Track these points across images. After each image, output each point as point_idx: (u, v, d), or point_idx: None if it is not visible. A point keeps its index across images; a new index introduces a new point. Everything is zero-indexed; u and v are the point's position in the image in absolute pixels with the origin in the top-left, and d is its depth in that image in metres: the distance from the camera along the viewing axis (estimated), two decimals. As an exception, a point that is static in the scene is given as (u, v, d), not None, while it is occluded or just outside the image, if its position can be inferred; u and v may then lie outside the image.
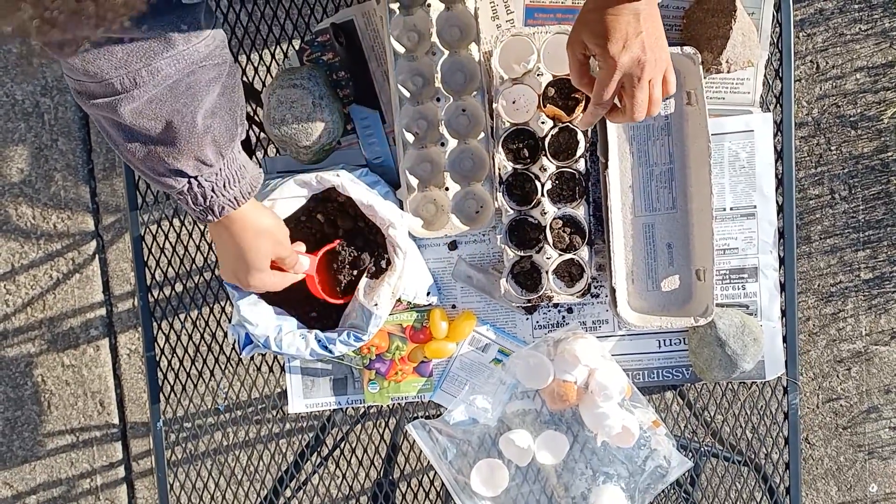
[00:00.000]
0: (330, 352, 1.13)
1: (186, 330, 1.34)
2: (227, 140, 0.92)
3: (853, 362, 2.22)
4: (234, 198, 0.95)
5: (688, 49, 1.13)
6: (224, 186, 0.94)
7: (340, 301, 1.16)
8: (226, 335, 1.30)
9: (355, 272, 1.18)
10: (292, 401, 1.28)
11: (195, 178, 0.92)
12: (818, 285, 2.20)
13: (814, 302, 2.20)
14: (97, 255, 2.25)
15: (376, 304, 1.12)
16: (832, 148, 2.16)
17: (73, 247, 2.25)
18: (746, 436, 1.31)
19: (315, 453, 1.41)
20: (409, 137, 1.18)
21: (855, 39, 2.12)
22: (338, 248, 1.17)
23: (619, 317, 1.17)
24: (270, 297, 1.17)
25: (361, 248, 1.19)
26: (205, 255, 1.34)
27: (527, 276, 1.21)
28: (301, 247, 1.12)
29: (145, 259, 1.29)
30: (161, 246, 1.31)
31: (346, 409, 1.29)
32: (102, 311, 2.27)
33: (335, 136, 1.18)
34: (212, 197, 0.93)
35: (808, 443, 2.24)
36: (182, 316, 1.33)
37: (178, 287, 1.34)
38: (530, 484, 1.26)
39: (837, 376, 2.23)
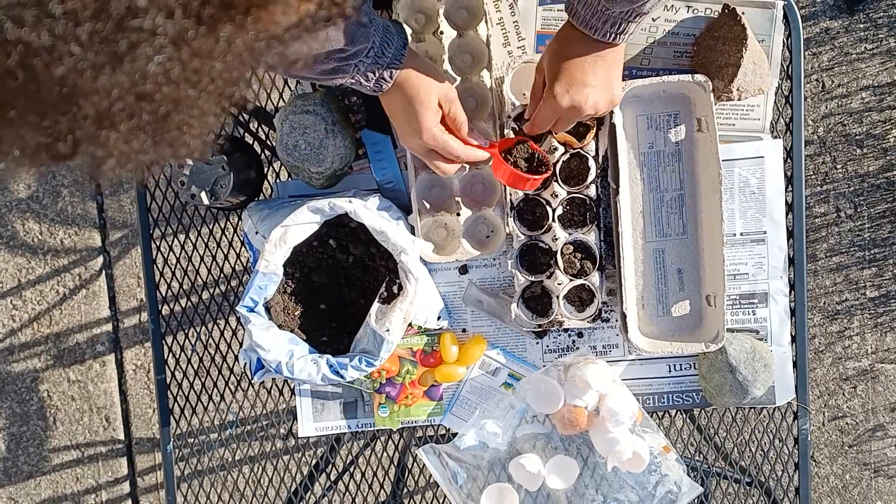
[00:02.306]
0: (342, 377, 1.13)
1: (197, 350, 1.34)
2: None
3: (859, 380, 2.22)
4: (394, 57, 0.98)
5: (699, 77, 1.13)
6: (382, 53, 0.97)
7: (524, 178, 1.08)
8: (236, 357, 1.30)
9: (537, 166, 1.12)
10: (302, 424, 1.28)
11: (357, 62, 0.96)
12: (824, 303, 2.20)
13: (819, 320, 2.20)
14: (104, 271, 2.26)
15: (388, 330, 1.13)
16: (838, 166, 2.16)
17: (80, 262, 2.26)
18: (756, 460, 1.31)
19: (323, 474, 1.41)
20: (420, 162, 1.19)
21: (860, 58, 2.13)
22: (518, 146, 1.12)
23: (630, 342, 1.17)
24: (283, 322, 1.17)
25: (363, 278, 1.20)
26: (214, 272, 1.35)
27: (537, 301, 1.21)
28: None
29: (157, 281, 1.29)
30: (166, 259, 1.31)
31: (357, 432, 1.29)
32: (109, 327, 2.27)
33: (347, 161, 1.19)
34: (377, 67, 0.97)
35: (814, 461, 2.24)
36: (189, 332, 1.33)
37: (185, 303, 1.34)
38: (540, 508, 1.26)
39: (843, 394, 2.23)
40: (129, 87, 0.36)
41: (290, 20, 0.38)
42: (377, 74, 0.98)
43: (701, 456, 1.41)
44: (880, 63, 2.13)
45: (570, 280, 1.18)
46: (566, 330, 1.25)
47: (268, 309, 1.18)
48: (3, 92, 0.35)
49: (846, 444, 2.24)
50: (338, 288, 1.21)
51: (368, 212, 1.12)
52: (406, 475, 1.39)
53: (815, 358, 2.21)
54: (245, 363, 1.17)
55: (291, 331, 1.18)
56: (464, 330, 1.26)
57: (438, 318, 1.23)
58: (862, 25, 2.12)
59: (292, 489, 1.38)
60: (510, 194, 1.18)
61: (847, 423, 2.23)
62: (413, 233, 1.19)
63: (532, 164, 1.13)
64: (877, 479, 2.24)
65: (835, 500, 2.25)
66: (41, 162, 0.40)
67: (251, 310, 1.15)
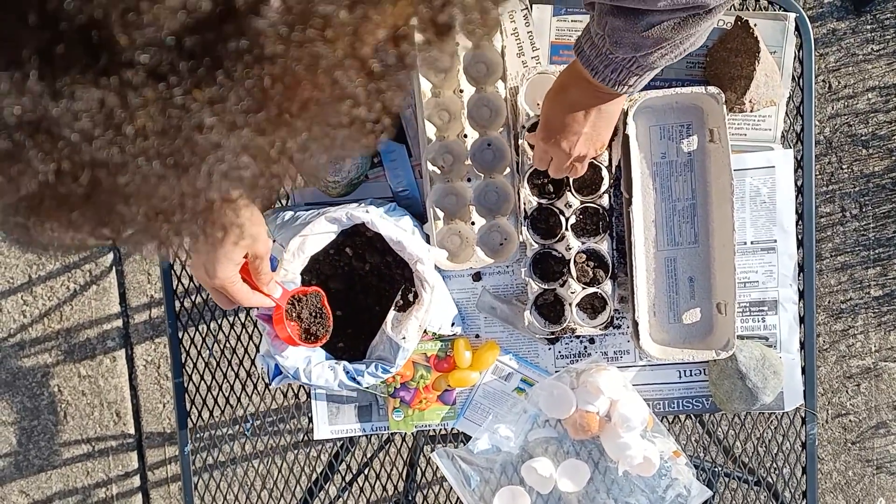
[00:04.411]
0: (358, 383, 1.15)
1: (214, 352, 1.36)
2: None
3: (862, 378, 2.24)
4: None
5: (712, 88, 1.15)
6: None
7: (295, 343, 1.11)
8: (252, 359, 1.32)
9: (318, 326, 1.13)
10: (318, 427, 1.30)
11: None
12: (828, 302, 2.22)
13: (824, 318, 2.22)
14: (114, 267, 2.27)
15: (404, 338, 1.15)
16: (843, 166, 2.18)
17: (91, 258, 2.27)
18: (764, 464, 1.33)
19: (337, 474, 1.43)
20: (436, 171, 1.20)
21: (867, 59, 2.14)
22: (309, 296, 1.13)
23: (642, 349, 1.19)
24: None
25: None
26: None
27: (550, 308, 1.23)
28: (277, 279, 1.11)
29: (175, 287, 1.31)
30: (183, 263, 1.33)
31: (371, 435, 1.31)
32: (119, 323, 2.29)
33: (363, 170, 1.20)
34: None
35: (818, 457, 2.27)
36: (205, 332, 1.35)
37: (200, 302, 1.36)
38: (552, 510, 1.29)
39: (847, 392, 2.25)
40: (188, 192, 0.37)
41: (342, 124, 0.39)
42: None
43: (710, 458, 1.43)
44: (887, 64, 2.14)
45: (583, 288, 1.20)
46: (578, 336, 1.27)
47: (285, 315, 1.19)
48: (67, 198, 0.36)
49: (849, 441, 2.26)
50: (354, 295, 1.22)
51: (385, 221, 1.14)
52: (420, 477, 1.41)
53: (819, 356, 2.23)
54: (263, 368, 1.19)
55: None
56: (477, 336, 1.28)
57: (452, 324, 1.25)
58: (869, 27, 2.13)
59: (307, 488, 1.40)
60: (524, 203, 1.19)
61: (850, 421, 2.26)
62: (428, 241, 1.21)
63: (315, 318, 1.13)
64: (879, 476, 2.27)
65: (837, 496, 2.28)
66: (85, 245, 0.41)
67: (269, 317, 1.17)
